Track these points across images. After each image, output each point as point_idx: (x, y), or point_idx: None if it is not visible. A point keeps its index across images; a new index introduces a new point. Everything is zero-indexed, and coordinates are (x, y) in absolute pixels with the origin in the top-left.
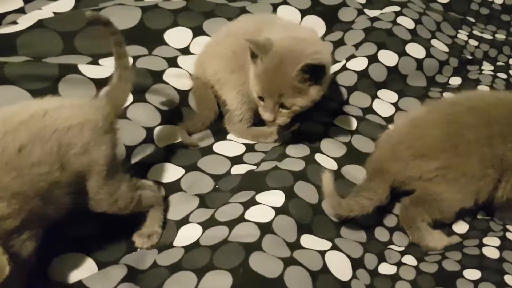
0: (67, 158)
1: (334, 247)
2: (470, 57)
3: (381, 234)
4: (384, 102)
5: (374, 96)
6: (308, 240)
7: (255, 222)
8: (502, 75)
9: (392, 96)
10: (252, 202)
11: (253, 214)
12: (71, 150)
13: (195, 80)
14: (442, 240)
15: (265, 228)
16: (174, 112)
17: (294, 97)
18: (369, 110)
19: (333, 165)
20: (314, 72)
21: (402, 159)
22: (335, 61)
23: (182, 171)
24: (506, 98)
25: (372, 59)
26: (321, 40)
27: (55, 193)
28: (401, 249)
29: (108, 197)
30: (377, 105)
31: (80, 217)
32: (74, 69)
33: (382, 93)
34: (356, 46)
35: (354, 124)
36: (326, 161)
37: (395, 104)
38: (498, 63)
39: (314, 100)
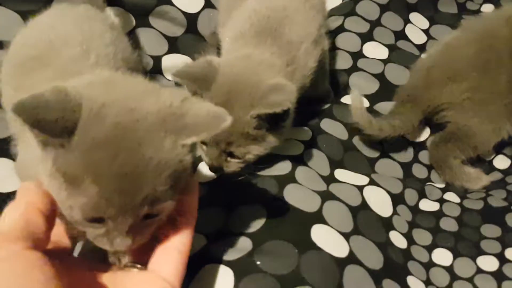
0: None
1: (372, 182)
2: None
3: (418, 171)
4: (416, 28)
5: (407, 20)
6: (342, 174)
7: (284, 155)
8: None
9: (424, 22)
10: None
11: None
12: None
13: None
14: (479, 179)
15: (297, 161)
16: (182, 40)
17: (248, 144)
18: (401, 34)
19: (365, 103)
20: (274, 118)
21: (436, 84)
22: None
23: None
24: None
25: None
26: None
27: None
28: (442, 186)
29: None
30: (409, 30)
31: None
32: None
33: (413, 17)
34: None
35: (385, 53)
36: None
37: (426, 32)
38: None
39: (274, 146)
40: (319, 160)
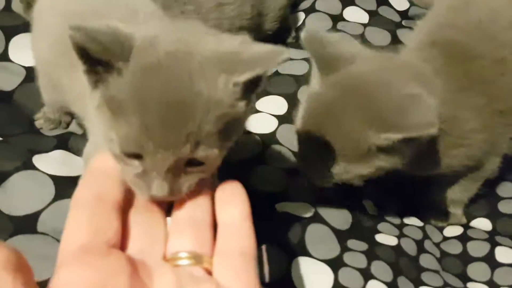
0: None
1: None
2: None
3: None
4: None
5: None
6: None
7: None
8: None
9: None
10: None
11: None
12: None
13: None
14: None
15: (268, 139)
16: None
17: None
18: (384, 0)
19: None
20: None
21: None
22: None
23: None
24: None
25: None
26: None
27: None
28: None
29: None
30: None
31: None
32: None
33: None
34: None
35: (366, 18)
36: None
37: None
38: None
39: None
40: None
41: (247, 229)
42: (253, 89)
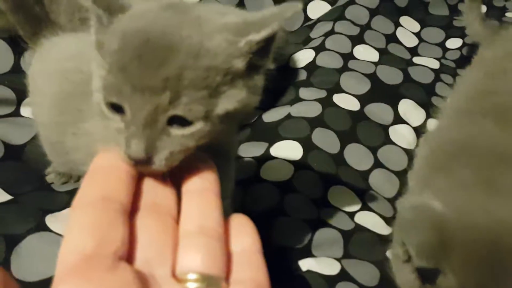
0: None
1: (365, 208)
2: None
3: None
4: (407, 31)
5: (397, 23)
6: (335, 197)
7: (270, 181)
8: None
9: (414, 25)
10: (267, 157)
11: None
12: None
13: None
14: None
15: (285, 188)
16: None
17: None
18: (392, 37)
19: (355, 105)
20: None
21: None
22: None
23: None
24: None
25: None
26: None
27: None
28: None
29: None
30: (400, 34)
31: None
32: None
33: (404, 20)
34: None
35: (376, 56)
36: (346, 101)
37: (417, 35)
38: None
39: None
40: (310, 184)
41: (260, 261)
42: (261, 53)
